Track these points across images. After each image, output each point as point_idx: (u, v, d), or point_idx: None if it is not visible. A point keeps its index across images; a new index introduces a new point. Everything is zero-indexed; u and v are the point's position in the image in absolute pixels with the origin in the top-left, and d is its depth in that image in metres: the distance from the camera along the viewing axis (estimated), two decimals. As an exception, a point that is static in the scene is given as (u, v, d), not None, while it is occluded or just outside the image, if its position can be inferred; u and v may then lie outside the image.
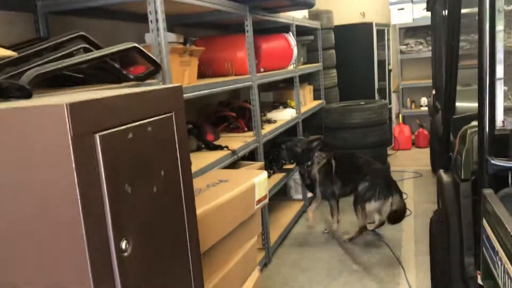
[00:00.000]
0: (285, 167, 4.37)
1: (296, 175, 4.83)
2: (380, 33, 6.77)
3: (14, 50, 1.85)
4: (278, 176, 4.16)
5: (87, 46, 1.92)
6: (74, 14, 2.57)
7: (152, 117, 1.35)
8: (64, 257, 1.10)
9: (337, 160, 4.05)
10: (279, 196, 4.98)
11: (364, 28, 6.48)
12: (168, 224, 1.44)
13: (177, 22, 3.61)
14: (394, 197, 3.86)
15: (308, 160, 4.01)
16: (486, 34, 1.50)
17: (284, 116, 4.43)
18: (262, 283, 3.38)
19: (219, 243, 2.05)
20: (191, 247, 1.56)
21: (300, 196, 4.94)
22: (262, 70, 4.15)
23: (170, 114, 1.46)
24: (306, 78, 5.81)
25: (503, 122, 1.55)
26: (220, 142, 3.39)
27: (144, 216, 1.30)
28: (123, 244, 1.21)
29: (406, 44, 7.34)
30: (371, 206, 3.86)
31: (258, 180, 2.31)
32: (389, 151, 6.97)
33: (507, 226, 1.25)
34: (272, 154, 4.40)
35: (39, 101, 1.22)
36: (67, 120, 1.03)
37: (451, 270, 2.43)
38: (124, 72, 2.09)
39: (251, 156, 3.64)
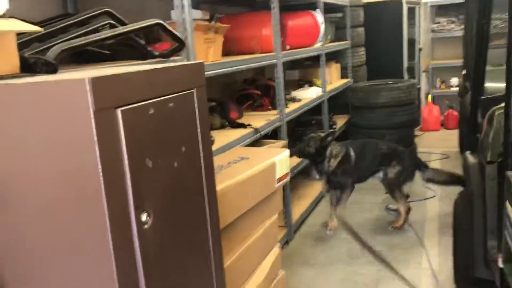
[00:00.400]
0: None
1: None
2: (411, 11, 6.60)
3: (41, 27, 1.88)
4: (301, 155, 4.14)
5: (113, 22, 1.94)
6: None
7: (173, 93, 1.37)
8: (85, 228, 1.14)
9: (356, 150, 3.85)
10: (302, 175, 4.99)
11: (394, 6, 6.31)
12: (188, 199, 1.46)
13: (203, -2, 3.60)
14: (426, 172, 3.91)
15: (324, 157, 3.73)
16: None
17: (309, 94, 4.40)
18: (283, 261, 3.41)
19: (239, 219, 2.08)
20: (211, 221, 1.59)
21: (323, 176, 4.92)
22: (288, 47, 4.11)
23: (191, 90, 1.47)
24: (333, 56, 5.73)
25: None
26: (244, 120, 3.40)
27: (165, 191, 1.33)
28: (144, 217, 1.24)
29: (437, 23, 7.13)
30: (408, 187, 3.87)
31: (279, 159, 2.32)
32: (417, 132, 6.86)
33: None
34: (296, 133, 4.39)
35: (63, 75, 1.25)
36: (89, 94, 1.06)
37: (473, 253, 2.41)
38: (149, 48, 2.11)
39: (274, 135, 3.64)
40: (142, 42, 2.07)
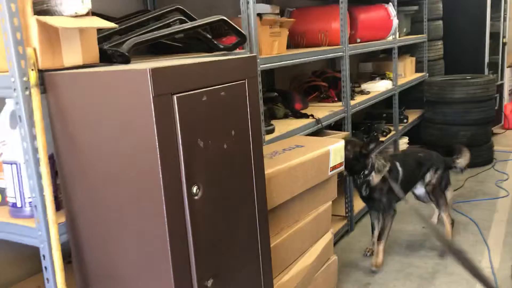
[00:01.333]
0: (381, 139, 4.38)
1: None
2: (496, 3, 6.30)
3: (121, 22, 2.15)
4: (367, 147, 4.19)
5: (183, 18, 2.16)
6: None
7: (225, 83, 1.55)
8: (145, 194, 1.36)
9: (401, 163, 3.31)
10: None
11: (477, -1, 6.08)
12: (237, 177, 1.64)
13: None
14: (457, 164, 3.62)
15: (364, 168, 3.05)
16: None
17: (378, 87, 4.42)
18: (341, 249, 3.52)
19: (291, 201, 2.24)
20: (258, 200, 1.76)
21: (391, 169, 4.91)
22: (358, 40, 4.17)
23: (243, 81, 1.65)
24: (408, 50, 5.65)
25: None
26: (308, 110, 3.52)
27: (214, 168, 1.52)
28: (194, 189, 1.44)
29: (527, 15, 6.74)
30: (450, 193, 3.61)
31: (333, 148, 2.44)
32: (498, 130, 6.57)
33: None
34: (364, 126, 4.43)
35: (132, 66, 1.48)
36: (149, 82, 1.26)
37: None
38: (216, 42, 2.31)
39: (339, 126, 3.74)
40: (209, 36, 2.27)
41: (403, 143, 4.92)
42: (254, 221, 1.75)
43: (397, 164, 3.27)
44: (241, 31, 2.20)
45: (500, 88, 6.51)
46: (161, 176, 1.32)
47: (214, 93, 1.50)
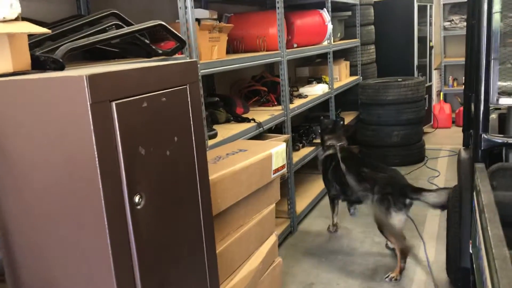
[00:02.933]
0: (315, 141, 4.49)
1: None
2: (422, 9, 6.64)
3: (54, 27, 2.06)
4: (307, 150, 4.28)
5: (119, 23, 2.10)
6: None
7: (166, 89, 1.52)
8: (84, 204, 1.31)
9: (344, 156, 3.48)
10: (311, 169, 5.12)
11: (404, 4, 6.37)
12: (181, 184, 1.62)
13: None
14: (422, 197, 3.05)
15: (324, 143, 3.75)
16: (484, 16, 1.55)
17: (315, 91, 4.53)
18: (286, 250, 3.57)
19: (235, 206, 2.23)
20: (203, 206, 1.74)
21: (331, 170, 5.04)
22: (295, 45, 4.25)
23: (184, 86, 1.63)
24: (343, 54, 5.84)
25: (497, 99, 1.61)
26: (250, 115, 3.55)
27: (157, 175, 1.49)
28: (137, 198, 1.40)
29: (450, 21, 7.16)
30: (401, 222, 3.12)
31: (275, 151, 2.46)
32: (428, 129, 6.92)
33: (482, 196, 1.34)
34: (303, 128, 4.52)
35: (67, 72, 1.42)
36: (86, 89, 1.22)
37: (461, 243, 2.52)
38: (154, 47, 2.27)
39: (280, 129, 3.79)
40: (147, 41, 2.22)
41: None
42: (200, 228, 1.74)
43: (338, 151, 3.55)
44: (180, 36, 2.18)
45: (428, 89, 6.86)
46: (101, 186, 1.28)
47: (155, 99, 1.47)
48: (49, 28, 1.99)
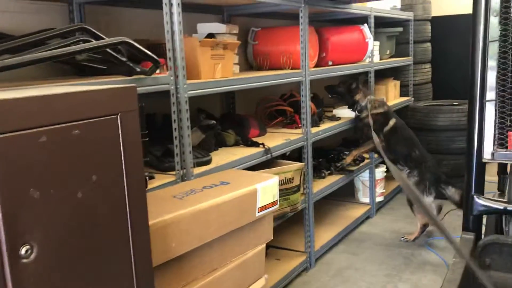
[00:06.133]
0: (347, 168, 4.11)
1: (364, 176, 4.55)
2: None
3: (21, 40, 1.92)
4: (335, 177, 3.92)
5: (87, 38, 1.93)
6: (107, 3, 2.61)
7: (82, 120, 1.30)
8: None
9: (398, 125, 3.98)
10: (344, 197, 4.74)
11: (468, 20, 5.80)
12: (100, 230, 1.38)
13: (237, 12, 3.53)
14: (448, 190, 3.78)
15: (355, 103, 4.03)
16: (479, 45, 1.18)
17: (350, 113, 4.15)
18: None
19: (205, 248, 1.97)
20: (137, 254, 1.49)
21: (367, 200, 4.63)
22: (330, 63, 3.93)
23: (113, 116, 1.39)
24: (393, 73, 5.39)
25: (492, 154, 1.23)
26: (265, 137, 3.27)
27: (61, 221, 1.26)
28: (23, 250, 1.18)
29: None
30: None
31: (263, 186, 2.17)
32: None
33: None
34: (334, 153, 4.16)
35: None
36: None
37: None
38: (131, 64, 2.07)
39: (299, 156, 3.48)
40: (123, 58, 2.03)
41: (380, 171, 4.62)
42: (131, 281, 1.49)
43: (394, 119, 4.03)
44: (151, 55, 1.96)
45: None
46: (-31, 236, 1.07)
47: (61, 132, 1.25)
48: (14, 41, 1.85)
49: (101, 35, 1.98)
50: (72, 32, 1.97)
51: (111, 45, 1.81)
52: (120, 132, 1.41)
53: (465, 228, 1.32)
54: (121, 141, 1.41)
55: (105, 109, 1.37)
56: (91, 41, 1.93)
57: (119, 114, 1.41)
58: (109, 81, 1.89)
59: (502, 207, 1.23)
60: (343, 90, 4.09)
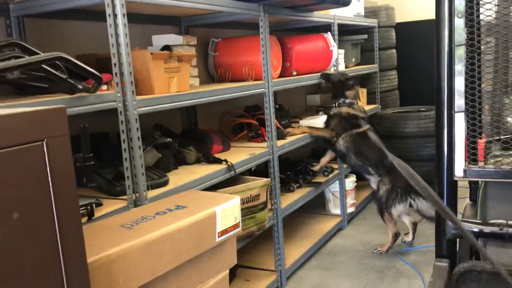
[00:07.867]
0: (314, 180, 3.99)
1: (334, 187, 4.44)
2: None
3: None
4: (304, 190, 3.78)
5: (19, 54, 1.74)
6: (50, 16, 2.42)
7: (-3, 149, 1.12)
8: None
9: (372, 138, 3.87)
10: (315, 209, 4.61)
11: (432, 25, 5.80)
12: (27, 271, 1.20)
13: (195, 23, 3.38)
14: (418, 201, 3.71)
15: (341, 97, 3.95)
16: (444, 51, 1.06)
17: (317, 123, 4.03)
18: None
19: (158, 282, 1.79)
20: (73, 298, 1.31)
21: (338, 211, 4.51)
22: (294, 73, 3.81)
23: (38, 143, 1.21)
24: (360, 81, 5.31)
25: (464, 171, 1.10)
26: (229, 153, 3.12)
27: (-26, 270, 1.08)
28: None
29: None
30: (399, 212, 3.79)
31: (222, 208, 2.01)
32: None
33: None
34: (302, 165, 4.03)
35: None
36: None
37: None
38: (72, 82, 1.88)
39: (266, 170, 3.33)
40: (63, 75, 1.84)
41: (350, 181, 4.52)
42: (66, 329, 1.30)
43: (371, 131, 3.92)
44: (90, 70, 1.78)
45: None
46: None
47: (-32, 166, 1.06)
48: None
49: (36, 50, 1.80)
50: (2, 48, 1.78)
51: (45, 61, 1.63)
52: (47, 160, 1.23)
53: (439, 255, 1.18)
54: (48, 171, 1.23)
55: (26, 136, 1.19)
56: (24, 57, 1.74)
57: (45, 140, 1.23)
58: (41, 102, 1.70)
59: (477, 229, 1.11)
60: (338, 80, 3.98)
